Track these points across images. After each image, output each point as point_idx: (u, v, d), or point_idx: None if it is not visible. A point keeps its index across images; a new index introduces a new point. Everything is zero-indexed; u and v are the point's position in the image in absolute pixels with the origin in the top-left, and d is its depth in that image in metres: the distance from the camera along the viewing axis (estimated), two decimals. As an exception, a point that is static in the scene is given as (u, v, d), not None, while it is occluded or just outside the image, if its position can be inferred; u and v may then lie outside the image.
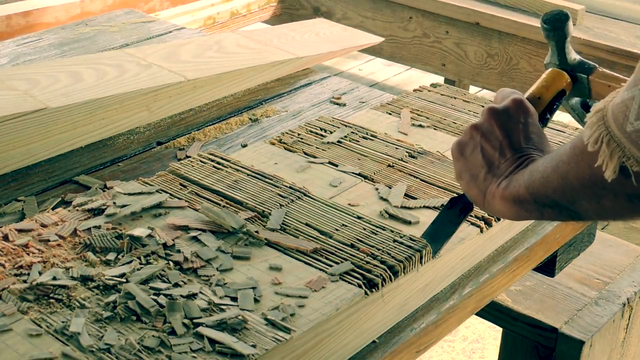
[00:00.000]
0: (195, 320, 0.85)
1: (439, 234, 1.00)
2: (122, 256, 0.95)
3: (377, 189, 1.12)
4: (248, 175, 1.13)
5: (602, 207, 0.80)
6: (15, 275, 0.91)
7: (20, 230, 0.99)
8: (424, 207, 1.08)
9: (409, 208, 1.08)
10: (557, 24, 1.09)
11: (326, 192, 1.11)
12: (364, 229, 1.02)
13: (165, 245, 0.97)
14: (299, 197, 1.08)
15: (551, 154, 0.88)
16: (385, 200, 1.10)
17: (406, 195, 1.11)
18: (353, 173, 1.16)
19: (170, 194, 1.08)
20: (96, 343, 0.81)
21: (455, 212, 1.00)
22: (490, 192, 0.92)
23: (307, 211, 1.05)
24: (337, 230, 1.02)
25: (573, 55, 1.13)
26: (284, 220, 1.03)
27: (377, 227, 1.03)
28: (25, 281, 0.90)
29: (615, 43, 2.48)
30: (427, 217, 1.05)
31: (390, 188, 1.12)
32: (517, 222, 1.14)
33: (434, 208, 1.08)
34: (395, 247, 0.99)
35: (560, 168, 0.83)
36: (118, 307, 0.86)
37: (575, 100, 1.16)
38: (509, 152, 0.92)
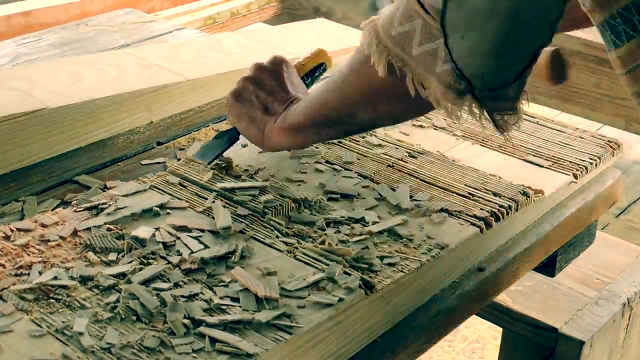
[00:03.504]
0: (196, 320, 0.85)
1: (208, 152, 1.16)
2: (123, 256, 0.95)
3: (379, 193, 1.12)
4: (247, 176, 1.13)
5: (378, 112, 0.98)
6: (16, 275, 0.91)
7: (20, 230, 0.99)
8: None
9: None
10: None
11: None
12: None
13: (165, 246, 0.97)
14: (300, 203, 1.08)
15: (327, 79, 1.05)
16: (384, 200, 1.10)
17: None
18: (352, 173, 1.16)
19: (172, 195, 1.08)
20: (97, 343, 0.81)
21: (223, 140, 1.17)
22: (268, 129, 1.08)
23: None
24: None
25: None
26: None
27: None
28: (25, 281, 0.90)
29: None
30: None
31: (394, 190, 1.12)
32: (517, 221, 1.14)
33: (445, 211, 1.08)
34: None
35: (339, 86, 1.00)
36: (119, 307, 0.86)
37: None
38: (279, 94, 1.10)
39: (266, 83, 1.12)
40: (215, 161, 1.15)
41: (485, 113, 0.91)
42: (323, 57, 1.26)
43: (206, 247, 0.97)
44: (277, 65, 1.14)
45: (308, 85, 1.21)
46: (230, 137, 1.17)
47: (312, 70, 1.24)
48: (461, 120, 0.94)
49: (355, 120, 1.02)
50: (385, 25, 0.91)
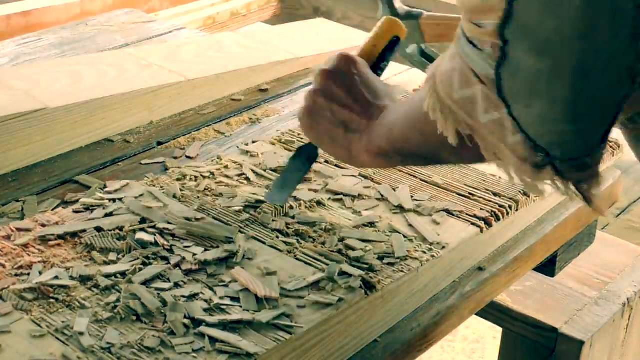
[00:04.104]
0: (196, 320, 0.85)
1: (287, 182, 1.05)
2: (123, 256, 0.95)
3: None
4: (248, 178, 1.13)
5: (461, 157, 0.86)
6: (16, 275, 0.91)
7: (20, 230, 0.99)
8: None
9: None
10: None
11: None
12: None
13: (165, 247, 0.97)
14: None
15: (404, 106, 0.92)
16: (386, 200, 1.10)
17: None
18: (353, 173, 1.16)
19: (174, 195, 1.09)
20: (97, 343, 0.81)
21: (302, 160, 1.06)
22: (354, 149, 0.96)
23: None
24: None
25: (399, 5, 1.25)
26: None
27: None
28: (25, 281, 0.90)
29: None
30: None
31: (395, 190, 1.12)
32: (517, 221, 1.14)
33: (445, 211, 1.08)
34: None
35: (416, 126, 0.87)
36: (119, 307, 0.86)
37: (412, 48, 1.24)
38: (357, 107, 0.96)
39: (338, 95, 0.97)
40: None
41: (572, 186, 0.78)
42: (394, 29, 1.05)
43: (207, 249, 0.97)
44: (344, 68, 0.98)
45: (385, 67, 1.05)
46: (309, 157, 1.07)
47: (386, 48, 1.05)
48: (545, 194, 0.83)
49: (440, 160, 0.92)
50: (446, 87, 0.78)
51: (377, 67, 1.04)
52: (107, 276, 0.91)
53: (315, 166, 1.16)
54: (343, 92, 0.97)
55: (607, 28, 0.67)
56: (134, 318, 0.85)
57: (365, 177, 1.15)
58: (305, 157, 1.07)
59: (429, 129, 0.82)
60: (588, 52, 0.68)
